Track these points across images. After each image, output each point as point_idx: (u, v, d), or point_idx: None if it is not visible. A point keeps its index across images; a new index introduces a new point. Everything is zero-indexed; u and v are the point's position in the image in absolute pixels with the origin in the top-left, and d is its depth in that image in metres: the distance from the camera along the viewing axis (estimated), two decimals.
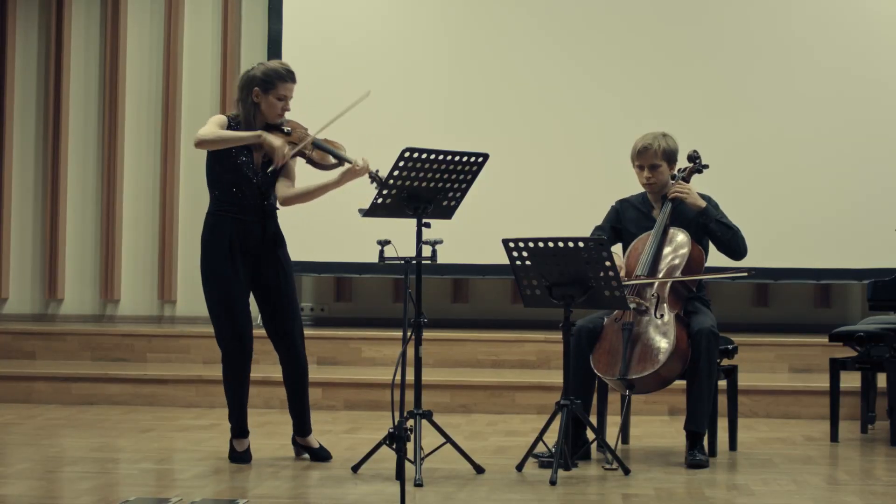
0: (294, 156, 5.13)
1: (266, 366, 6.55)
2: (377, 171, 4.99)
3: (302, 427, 5.34)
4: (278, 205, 5.26)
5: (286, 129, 5.15)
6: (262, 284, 5.24)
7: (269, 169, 5.11)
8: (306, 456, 5.34)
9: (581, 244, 4.86)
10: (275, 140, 5.04)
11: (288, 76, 5.13)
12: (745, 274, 5.31)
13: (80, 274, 9.05)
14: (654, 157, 5.45)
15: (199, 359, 7.74)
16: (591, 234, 5.57)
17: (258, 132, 5.06)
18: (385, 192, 4.79)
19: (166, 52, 8.97)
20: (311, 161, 5.16)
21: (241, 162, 5.12)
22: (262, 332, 5.31)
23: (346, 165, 5.08)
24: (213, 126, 5.09)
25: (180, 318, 8.85)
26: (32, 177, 9.12)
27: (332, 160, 5.13)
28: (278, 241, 5.26)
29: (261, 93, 5.11)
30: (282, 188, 5.20)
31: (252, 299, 5.27)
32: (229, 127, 5.13)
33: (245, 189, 5.14)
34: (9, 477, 4.86)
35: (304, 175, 5.31)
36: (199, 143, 5.04)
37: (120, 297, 8.98)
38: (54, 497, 4.53)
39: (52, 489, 4.69)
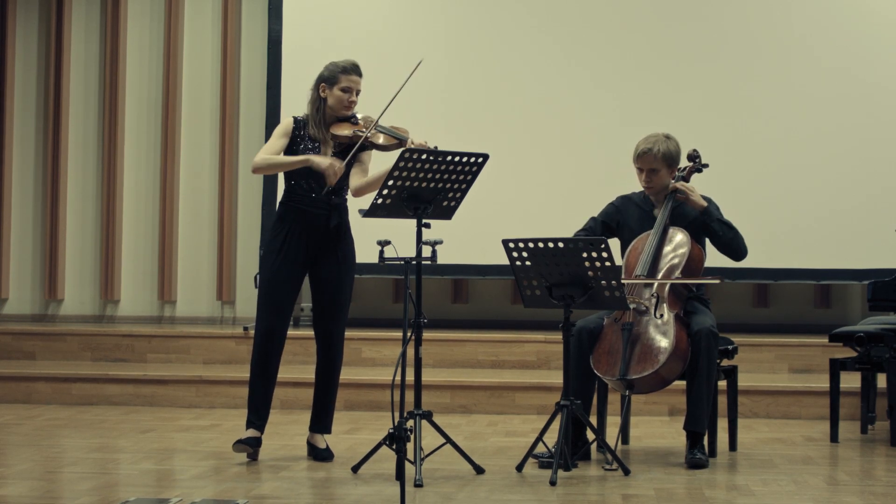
0: (351, 159, 5.15)
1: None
2: (435, 146, 4.97)
3: (318, 424, 5.35)
4: (350, 195, 5.29)
5: (354, 120, 5.23)
6: (317, 277, 5.30)
7: (324, 191, 5.15)
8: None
9: (581, 244, 4.86)
10: (322, 161, 5.08)
11: (352, 69, 5.24)
12: (717, 281, 5.40)
13: (80, 274, 9.05)
14: (653, 161, 5.44)
15: (199, 359, 7.74)
16: (585, 223, 5.59)
17: (306, 157, 5.13)
18: (385, 192, 4.79)
19: (166, 53, 8.96)
20: (377, 146, 5.18)
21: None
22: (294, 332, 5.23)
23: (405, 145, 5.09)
24: (274, 141, 5.24)
25: (180, 318, 8.83)
26: (32, 177, 9.12)
27: (395, 140, 5.16)
28: (342, 234, 5.29)
29: (327, 87, 5.22)
30: (354, 179, 5.26)
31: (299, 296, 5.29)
32: (296, 128, 5.24)
33: (313, 184, 5.19)
34: (9, 477, 4.86)
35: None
36: (255, 171, 5.27)
37: (120, 297, 8.98)
38: (54, 497, 4.52)
39: (52, 489, 4.69)
